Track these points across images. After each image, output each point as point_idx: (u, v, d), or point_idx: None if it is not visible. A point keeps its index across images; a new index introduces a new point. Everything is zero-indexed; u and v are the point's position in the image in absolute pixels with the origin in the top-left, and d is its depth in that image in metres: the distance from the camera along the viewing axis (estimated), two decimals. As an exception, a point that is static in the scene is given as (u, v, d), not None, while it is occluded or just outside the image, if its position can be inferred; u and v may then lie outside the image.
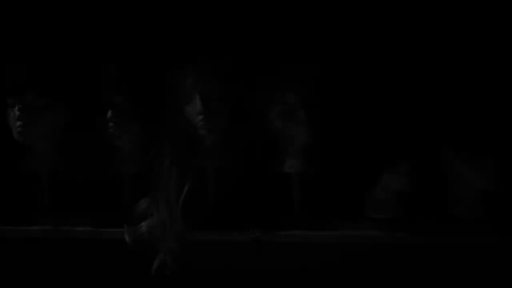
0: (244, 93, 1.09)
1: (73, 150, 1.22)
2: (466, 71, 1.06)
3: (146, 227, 1.09)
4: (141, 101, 1.11)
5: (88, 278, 1.31)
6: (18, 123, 1.10)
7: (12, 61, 1.10)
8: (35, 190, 1.20)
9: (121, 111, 1.11)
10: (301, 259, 1.24)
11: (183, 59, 1.09)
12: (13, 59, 1.10)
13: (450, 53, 1.09)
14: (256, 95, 1.09)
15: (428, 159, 1.08)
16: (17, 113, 1.10)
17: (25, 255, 1.32)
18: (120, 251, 1.10)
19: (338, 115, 1.09)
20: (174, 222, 1.07)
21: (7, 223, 1.19)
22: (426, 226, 1.09)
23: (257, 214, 1.12)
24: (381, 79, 1.07)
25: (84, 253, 1.28)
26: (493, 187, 1.05)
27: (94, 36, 1.19)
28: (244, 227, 1.10)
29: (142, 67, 1.11)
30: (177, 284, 1.13)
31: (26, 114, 1.10)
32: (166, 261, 1.08)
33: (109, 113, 1.11)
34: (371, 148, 1.07)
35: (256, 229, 1.10)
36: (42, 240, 1.23)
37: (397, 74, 1.07)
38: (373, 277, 1.23)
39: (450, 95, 1.05)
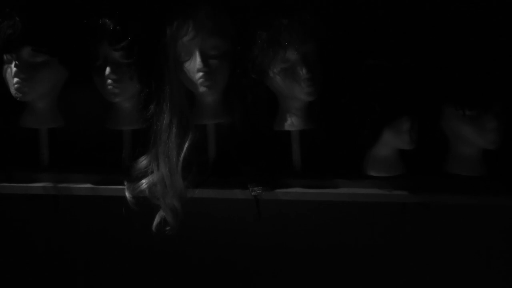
0: (245, 50, 1.08)
1: (72, 107, 1.21)
2: (469, 27, 1.04)
3: (146, 184, 1.09)
4: (140, 57, 1.10)
5: (88, 235, 1.33)
6: (15, 79, 1.08)
7: (8, 17, 1.08)
8: (35, 147, 1.21)
9: (119, 68, 1.10)
10: (300, 217, 1.26)
11: (183, 15, 1.07)
12: (9, 15, 1.08)
13: (452, 9, 1.07)
14: (256, 52, 1.07)
15: (429, 116, 1.07)
16: (14, 69, 1.08)
17: (26, 212, 1.33)
18: (120, 208, 1.11)
19: (339, 72, 1.08)
20: (174, 179, 1.07)
21: (8, 180, 1.19)
22: (426, 185, 1.10)
23: (257, 171, 1.13)
24: (383, 36, 1.06)
25: (84, 210, 1.30)
26: (494, 146, 1.04)
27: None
28: (244, 184, 1.10)
29: (141, 23, 1.09)
30: (178, 241, 1.14)
31: (23, 70, 1.08)
32: (166, 218, 1.09)
33: (108, 70, 1.10)
34: (372, 105, 1.06)
35: (255, 187, 1.10)
36: (42, 197, 1.24)
37: (399, 30, 1.05)
38: (371, 235, 1.25)
39: (452, 52, 1.04)
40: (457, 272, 1.22)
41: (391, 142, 1.07)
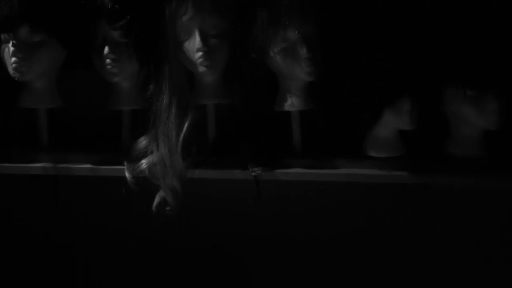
0: (245, 29, 1.07)
1: (71, 87, 1.21)
2: (471, 7, 1.03)
3: (146, 164, 1.09)
4: (138, 37, 1.09)
5: (88, 216, 1.33)
6: (13, 59, 1.08)
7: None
8: (34, 127, 1.20)
9: (118, 48, 1.09)
10: (300, 197, 1.26)
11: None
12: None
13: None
14: (257, 32, 1.06)
15: (430, 97, 1.07)
16: (12, 49, 1.08)
17: (26, 192, 1.33)
18: (120, 189, 1.11)
19: (340, 52, 1.07)
20: (174, 159, 1.07)
21: (7, 160, 1.19)
22: (426, 165, 1.10)
23: (257, 152, 1.12)
24: (384, 16, 1.05)
25: (84, 190, 1.30)
26: (495, 126, 1.04)
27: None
28: (244, 165, 1.10)
29: (140, 1, 1.08)
30: (177, 221, 1.15)
31: (21, 50, 1.07)
32: (166, 198, 1.09)
33: (106, 50, 1.09)
34: (372, 86, 1.05)
35: (255, 167, 1.10)
36: (42, 178, 1.24)
37: (400, 10, 1.04)
38: (371, 216, 1.25)
39: (454, 32, 1.03)
40: (456, 253, 1.22)
41: (392, 122, 1.07)
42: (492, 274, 1.21)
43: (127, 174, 1.11)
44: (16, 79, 1.10)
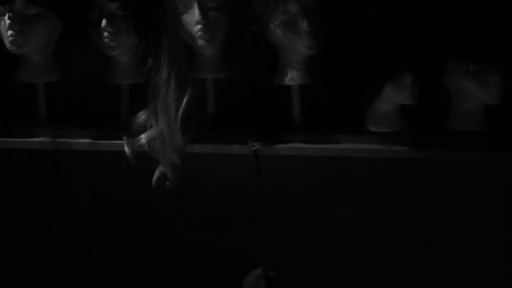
0: (244, 2, 1.05)
1: (68, 61, 1.20)
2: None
3: (145, 139, 1.09)
4: (136, 9, 1.07)
5: (87, 190, 1.33)
6: (9, 32, 1.07)
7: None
8: (32, 102, 1.20)
9: (116, 21, 1.08)
10: (300, 172, 1.26)
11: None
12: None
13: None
14: (256, 5, 1.05)
15: (432, 71, 1.06)
16: (8, 22, 1.06)
17: (26, 167, 1.33)
18: (119, 163, 1.10)
19: (341, 25, 1.06)
20: (173, 134, 1.06)
21: (6, 135, 1.18)
22: (427, 140, 1.09)
23: (257, 126, 1.12)
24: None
25: (83, 165, 1.30)
26: (496, 101, 1.03)
27: None
28: (243, 139, 1.10)
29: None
30: (177, 196, 1.15)
31: (17, 23, 1.06)
32: (166, 173, 1.09)
33: (104, 23, 1.08)
34: (373, 59, 1.04)
35: (255, 142, 1.09)
36: (41, 153, 1.24)
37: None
38: (371, 191, 1.25)
39: (456, 5, 1.01)
40: (456, 227, 1.23)
41: (393, 97, 1.06)
42: (492, 248, 1.22)
43: (126, 149, 1.10)
44: (13, 52, 1.09)
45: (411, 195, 1.23)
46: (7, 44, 1.09)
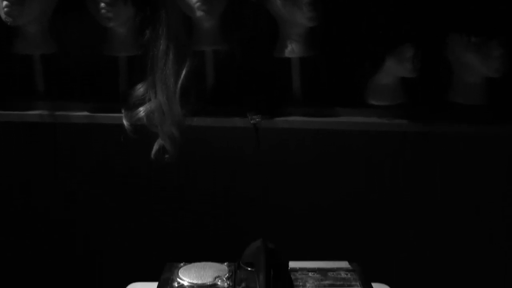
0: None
1: (65, 32, 1.18)
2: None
3: (144, 111, 1.08)
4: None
5: (86, 163, 1.33)
6: (4, 3, 1.05)
7: None
8: (29, 74, 1.18)
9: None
10: (299, 146, 1.25)
11: None
12: None
13: None
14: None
15: (433, 44, 1.05)
16: (3, -8, 1.05)
17: (24, 140, 1.33)
18: (118, 136, 1.10)
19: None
20: (172, 106, 1.05)
21: (3, 108, 1.17)
22: (427, 113, 1.09)
23: (256, 99, 1.11)
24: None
25: (82, 138, 1.29)
26: (498, 74, 1.03)
27: None
28: (243, 112, 1.09)
29: None
30: (176, 169, 1.15)
31: (12, -6, 1.04)
32: (165, 146, 1.09)
33: (101, -7, 1.06)
34: (374, 32, 1.03)
35: (255, 115, 1.09)
36: (39, 125, 1.24)
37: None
38: (371, 165, 1.25)
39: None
40: (456, 201, 1.23)
41: (393, 70, 1.05)
42: (492, 222, 1.22)
43: (125, 122, 1.09)
44: (8, 24, 1.07)
45: (410, 168, 1.23)
46: (3, 16, 1.07)
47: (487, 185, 1.21)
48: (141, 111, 1.08)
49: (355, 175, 1.25)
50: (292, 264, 0.82)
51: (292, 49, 1.08)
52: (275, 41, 1.10)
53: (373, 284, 0.78)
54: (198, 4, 1.03)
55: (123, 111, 1.10)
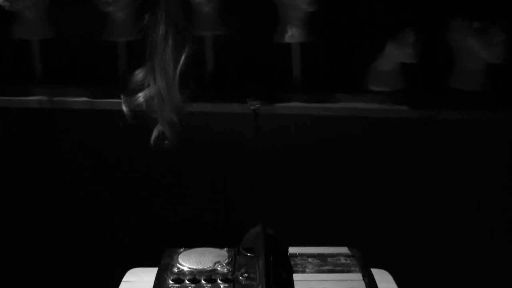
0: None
1: (63, 17, 1.17)
2: None
3: (143, 97, 1.07)
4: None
5: (86, 149, 1.33)
6: (2, -13, 1.04)
7: None
8: (28, 60, 1.18)
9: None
10: (299, 132, 1.25)
11: None
12: None
13: None
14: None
15: (435, 28, 1.04)
16: (0, -24, 1.04)
17: (22, 125, 1.32)
18: (117, 122, 1.09)
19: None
20: (172, 92, 1.05)
21: (2, 93, 1.17)
22: (427, 99, 1.08)
23: (256, 85, 1.11)
24: None
25: (81, 123, 1.29)
26: (500, 59, 1.02)
27: None
28: (243, 98, 1.08)
29: None
30: (175, 155, 1.14)
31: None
32: (164, 132, 1.08)
33: (99, -23, 1.05)
34: (375, 17, 1.02)
35: (254, 101, 1.08)
36: (38, 111, 1.23)
37: None
38: (371, 151, 1.25)
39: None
40: (456, 188, 1.23)
41: (394, 55, 1.05)
42: (493, 207, 1.23)
43: (124, 108, 1.09)
44: (6, 8, 1.07)
45: (411, 154, 1.23)
46: (0, 0, 1.06)
47: (488, 171, 1.21)
48: (140, 96, 1.07)
49: (355, 161, 1.25)
50: (292, 250, 0.82)
51: (292, 34, 1.07)
52: (275, 26, 1.09)
53: (373, 270, 0.78)
54: (197, -13, 1.02)
55: (122, 96, 1.10)
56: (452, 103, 1.07)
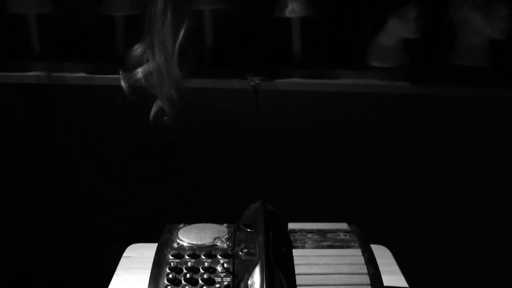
0: None
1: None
2: None
3: (142, 73, 1.06)
4: None
5: (85, 124, 1.32)
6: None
7: None
8: (25, 35, 1.16)
9: None
10: (299, 108, 1.24)
11: None
12: None
13: None
14: None
15: (437, 3, 1.03)
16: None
17: (21, 101, 1.32)
18: (116, 98, 1.09)
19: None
20: (171, 67, 1.04)
21: (0, 68, 1.16)
22: (429, 75, 1.07)
23: (256, 60, 1.09)
24: None
25: (79, 99, 1.28)
26: (503, 35, 1.01)
27: None
28: (242, 74, 1.07)
29: None
30: (175, 131, 1.14)
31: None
32: (163, 108, 1.08)
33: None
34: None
35: (254, 77, 1.07)
36: (37, 88, 1.22)
37: None
38: (371, 127, 1.25)
39: None
40: (457, 163, 1.23)
41: (396, 30, 1.03)
42: (493, 183, 1.23)
43: (123, 83, 1.08)
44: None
45: (411, 130, 1.23)
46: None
47: (489, 147, 1.21)
48: (139, 72, 1.06)
49: (355, 137, 1.25)
50: (291, 226, 0.82)
51: (292, 9, 1.06)
52: (275, 0, 1.08)
53: (372, 246, 0.78)
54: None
55: (120, 72, 1.09)
56: (454, 79, 1.06)
